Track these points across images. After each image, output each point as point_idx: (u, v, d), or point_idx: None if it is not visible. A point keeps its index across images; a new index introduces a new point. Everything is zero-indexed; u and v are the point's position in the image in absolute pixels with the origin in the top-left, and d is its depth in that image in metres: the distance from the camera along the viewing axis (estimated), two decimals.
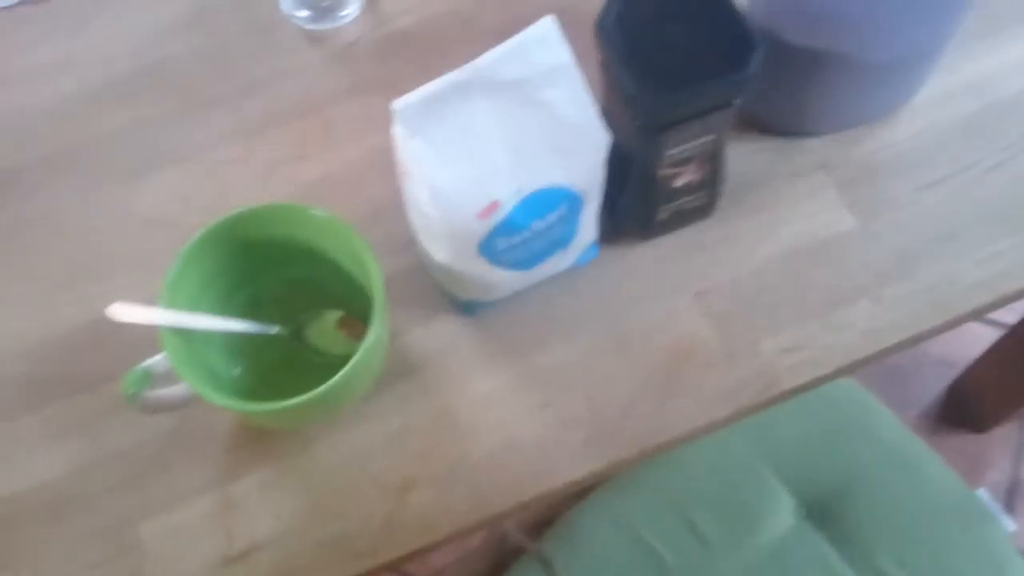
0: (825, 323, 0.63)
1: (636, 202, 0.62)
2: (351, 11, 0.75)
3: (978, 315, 0.65)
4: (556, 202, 0.55)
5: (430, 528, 0.59)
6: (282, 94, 0.73)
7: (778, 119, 0.68)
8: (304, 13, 0.75)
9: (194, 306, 0.58)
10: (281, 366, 0.62)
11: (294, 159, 0.70)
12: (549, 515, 0.91)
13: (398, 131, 0.50)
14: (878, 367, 1.50)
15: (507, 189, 0.53)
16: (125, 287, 0.65)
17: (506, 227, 0.54)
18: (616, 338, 0.63)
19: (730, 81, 0.52)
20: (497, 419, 0.61)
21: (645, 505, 0.87)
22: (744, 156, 0.68)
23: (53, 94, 0.74)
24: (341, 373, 0.53)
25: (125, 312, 0.54)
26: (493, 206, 0.52)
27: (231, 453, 0.61)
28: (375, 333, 0.54)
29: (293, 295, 0.63)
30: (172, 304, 0.56)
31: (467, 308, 0.64)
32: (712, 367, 0.62)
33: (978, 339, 1.42)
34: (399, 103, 0.48)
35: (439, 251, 0.56)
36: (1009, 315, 1.35)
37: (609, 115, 0.60)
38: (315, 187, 0.69)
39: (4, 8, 0.78)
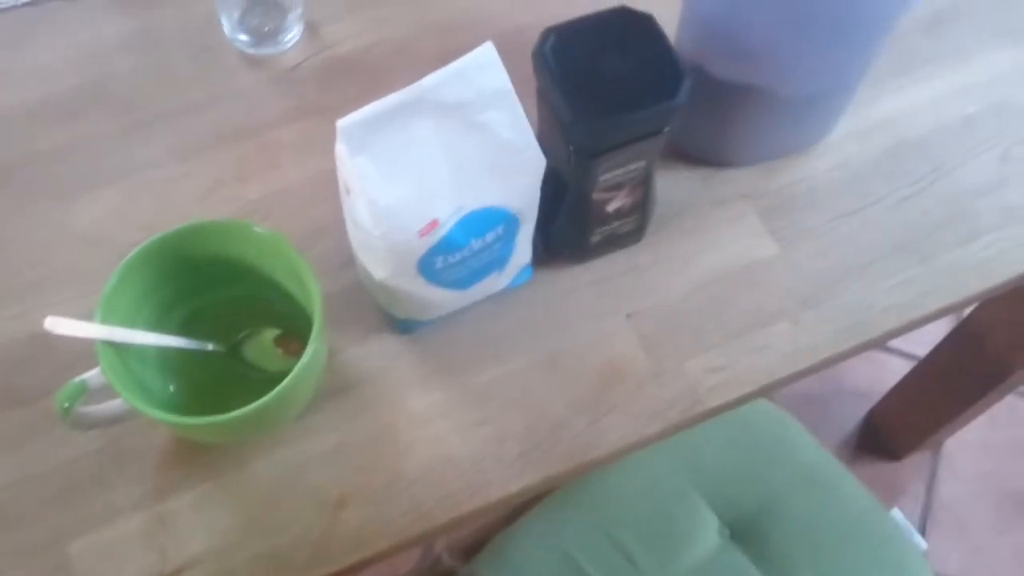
0: (747, 344, 0.66)
1: (570, 226, 0.65)
2: (292, 36, 0.77)
3: (890, 338, 0.69)
4: (494, 222, 0.57)
5: (366, 543, 0.59)
6: (223, 116, 0.74)
7: (704, 149, 0.71)
8: (244, 37, 0.76)
9: (130, 321, 0.58)
10: (217, 383, 0.62)
11: (234, 179, 0.71)
12: (482, 538, 0.92)
13: (341, 149, 0.51)
14: (797, 397, 1.54)
15: (447, 208, 0.54)
16: (63, 302, 0.65)
17: (445, 245, 0.56)
18: (549, 358, 0.65)
19: (660, 110, 0.55)
20: (433, 436, 0.62)
21: (575, 526, 0.88)
22: (672, 184, 0.71)
23: None
24: (278, 388, 0.54)
25: (60, 325, 0.54)
26: (433, 224, 0.54)
27: (166, 470, 0.61)
28: (313, 349, 0.55)
29: (232, 313, 0.64)
30: (107, 318, 0.56)
31: (404, 327, 0.65)
32: (641, 386, 0.64)
33: (892, 370, 1.49)
34: (343, 121, 0.49)
35: (378, 269, 0.58)
36: (920, 348, 1.42)
37: (544, 141, 0.62)
38: (255, 207, 0.70)
39: None
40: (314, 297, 0.56)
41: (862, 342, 0.67)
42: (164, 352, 0.61)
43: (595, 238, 0.66)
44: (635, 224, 0.66)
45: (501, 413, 0.63)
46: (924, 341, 1.45)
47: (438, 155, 0.53)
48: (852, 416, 1.55)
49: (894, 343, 1.58)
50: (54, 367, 0.61)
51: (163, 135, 0.72)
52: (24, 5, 0.78)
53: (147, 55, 0.76)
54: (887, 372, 1.52)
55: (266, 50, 0.77)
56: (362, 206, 0.53)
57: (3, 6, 0.77)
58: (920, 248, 0.70)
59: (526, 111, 0.54)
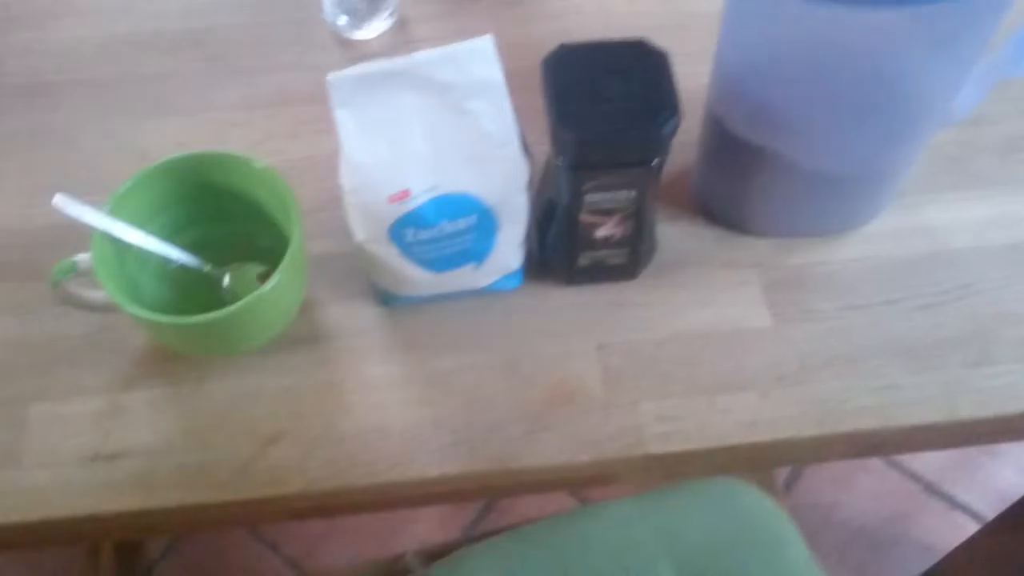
0: (708, 404, 0.65)
1: (560, 243, 0.66)
2: (381, 27, 0.83)
3: (869, 447, 0.66)
4: (467, 210, 0.59)
5: (280, 481, 0.62)
6: (297, 80, 0.80)
7: (724, 211, 0.71)
8: (343, 21, 0.83)
9: (139, 227, 0.64)
10: (204, 304, 0.67)
11: (287, 136, 0.77)
12: (452, 550, 0.92)
13: (332, 102, 0.55)
14: (856, 537, 1.44)
15: (421, 183, 0.57)
16: (103, 203, 0.72)
17: (415, 218, 0.58)
18: (510, 362, 0.66)
19: (640, 139, 0.56)
20: (376, 403, 0.65)
21: (536, 563, 0.87)
22: (686, 238, 0.72)
23: (108, 33, 0.83)
24: (235, 305, 0.58)
25: (68, 204, 0.61)
26: (404, 194, 0.57)
27: (135, 366, 0.66)
28: (276, 280, 0.59)
29: (236, 246, 0.69)
30: (114, 215, 0.62)
31: (385, 299, 0.68)
32: (588, 413, 0.64)
33: (964, 530, 1.38)
34: (333, 75, 0.53)
35: (356, 229, 0.61)
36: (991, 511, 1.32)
37: (551, 157, 0.64)
38: (296, 163, 0.75)
39: None
40: (294, 232, 0.60)
41: (827, 434, 0.64)
42: (164, 266, 0.66)
43: (583, 261, 0.67)
44: (626, 259, 0.67)
45: (445, 400, 0.65)
46: (994, 504, 1.35)
47: (419, 130, 0.56)
48: (910, 569, 1.45)
49: (967, 499, 1.48)
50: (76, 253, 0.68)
51: (238, 85, 0.80)
52: None
53: (251, 17, 0.84)
54: (959, 531, 1.42)
55: (355, 34, 0.83)
56: (342, 161, 0.57)
57: None
58: (922, 358, 0.67)
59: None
